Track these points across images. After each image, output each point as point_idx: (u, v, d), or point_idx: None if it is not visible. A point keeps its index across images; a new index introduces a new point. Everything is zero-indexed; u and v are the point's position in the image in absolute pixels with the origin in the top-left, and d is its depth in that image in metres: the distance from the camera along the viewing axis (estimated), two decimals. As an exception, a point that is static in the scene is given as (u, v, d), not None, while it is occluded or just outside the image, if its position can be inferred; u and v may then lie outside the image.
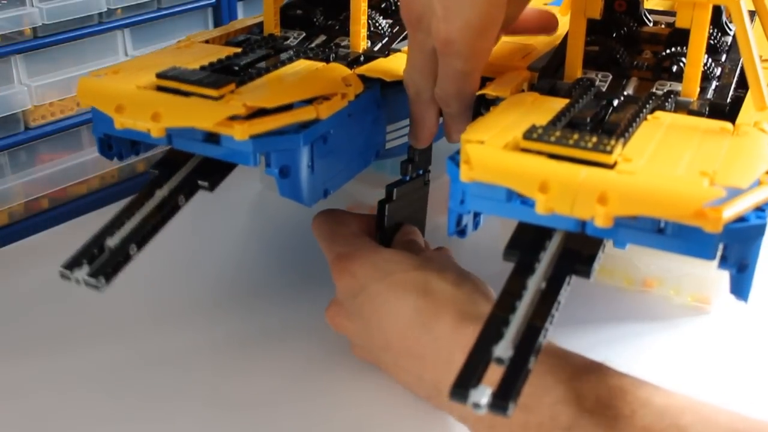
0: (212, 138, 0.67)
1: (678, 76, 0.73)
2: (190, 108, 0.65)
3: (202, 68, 0.72)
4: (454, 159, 0.61)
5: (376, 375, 0.78)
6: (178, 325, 0.86)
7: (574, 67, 0.73)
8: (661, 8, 0.87)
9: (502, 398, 0.51)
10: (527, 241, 0.61)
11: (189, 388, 0.78)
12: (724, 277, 0.58)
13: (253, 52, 0.78)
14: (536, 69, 0.76)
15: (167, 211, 0.71)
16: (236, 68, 0.74)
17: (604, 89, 0.73)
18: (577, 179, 0.54)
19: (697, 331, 0.86)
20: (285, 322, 0.86)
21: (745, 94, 0.70)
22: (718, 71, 0.74)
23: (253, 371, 0.80)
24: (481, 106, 0.73)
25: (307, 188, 0.70)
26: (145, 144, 0.75)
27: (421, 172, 0.86)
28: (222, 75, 0.69)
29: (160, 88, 0.68)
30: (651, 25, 0.81)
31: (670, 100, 0.69)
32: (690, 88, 0.70)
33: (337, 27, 0.87)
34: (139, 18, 1.07)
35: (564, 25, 0.78)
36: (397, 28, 0.86)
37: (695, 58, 0.69)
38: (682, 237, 0.55)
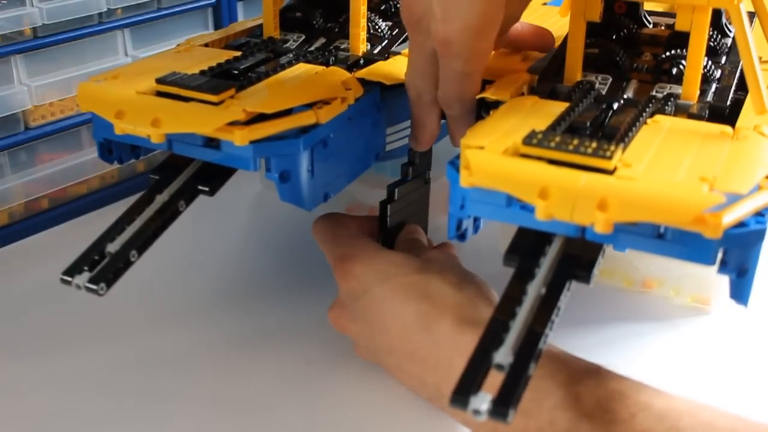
0: (212, 143, 0.67)
1: (678, 79, 0.73)
2: (190, 113, 0.65)
3: (202, 73, 0.72)
4: (454, 164, 0.61)
5: (377, 376, 0.78)
6: (177, 326, 0.86)
7: (574, 70, 0.73)
8: (660, 10, 0.87)
9: (503, 405, 0.51)
10: (527, 246, 0.61)
11: (189, 389, 0.78)
12: (724, 278, 0.58)
13: (252, 56, 0.78)
14: (536, 72, 0.76)
15: (167, 216, 0.71)
16: (236, 72, 0.74)
17: (603, 92, 0.73)
18: (576, 185, 0.54)
19: (697, 331, 0.86)
20: (285, 323, 0.86)
21: (745, 96, 0.70)
22: (717, 74, 0.74)
23: (253, 372, 0.80)
24: (481, 109, 0.73)
25: (307, 193, 0.71)
26: (146, 148, 0.75)
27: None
28: (222, 80, 0.69)
29: (160, 94, 0.68)
30: (651, 27, 0.81)
31: (669, 103, 0.69)
32: (690, 91, 0.70)
33: (336, 29, 0.87)
34: (139, 18, 1.07)
35: (564, 27, 0.78)
36: (397, 30, 0.86)
37: (695, 61, 0.69)
38: (682, 242, 0.55)
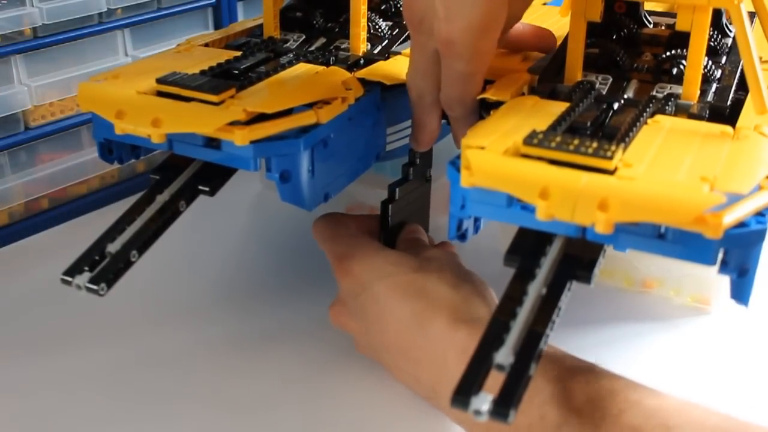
0: (213, 143, 0.67)
1: (678, 79, 0.73)
2: (191, 113, 0.65)
3: (202, 73, 0.72)
4: (455, 164, 0.61)
5: (377, 375, 0.78)
6: (178, 326, 0.86)
7: (574, 70, 0.73)
8: (660, 10, 0.87)
9: (503, 405, 0.51)
10: (528, 246, 0.61)
11: (189, 389, 0.78)
12: (724, 278, 0.58)
13: (252, 56, 0.78)
14: (536, 72, 0.76)
15: (168, 216, 0.71)
16: (236, 72, 0.74)
17: (604, 92, 0.73)
18: (577, 185, 0.54)
19: (697, 331, 0.86)
20: (285, 323, 0.86)
21: (746, 96, 0.70)
22: (718, 73, 0.74)
23: (253, 372, 0.80)
24: (482, 110, 0.73)
25: (307, 193, 0.71)
26: (146, 148, 0.75)
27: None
28: (222, 80, 0.69)
29: (161, 94, 0.68)
30: (651, 27, 0.81)
31: (670, 103, 0.69)
32: (690, 91, 0.70)
33: (336, 29, 0.87)
34: (139, 18, 1.07)
35: (564, 27, 0.78)
36: (397, 30, 0.86)
37: (695, 61, 0.69)
38: (682, 242, 0.55)
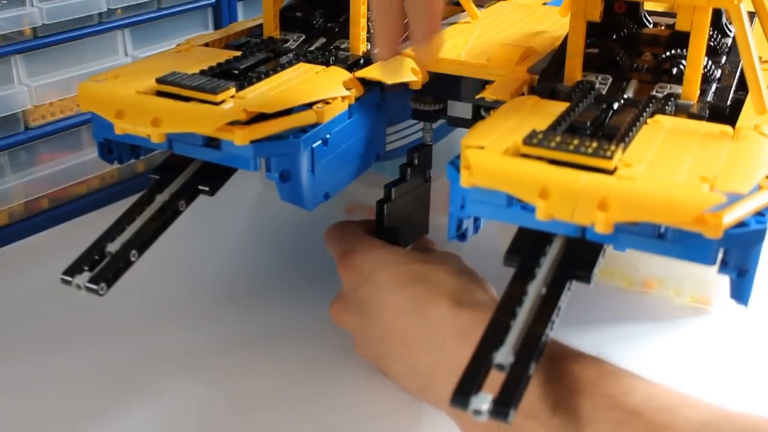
0: (212, 143, 0.67)
1: (678, 79, 0.73)
2: (190, 113, 0.65)
3: (202, 72, 0.72)
4: (455, 164, 0.61)
5: (377, 376, 0.78)
6: (178, 325, 0.86)
7: (574, 70, 0.73)
8: (660, 10, 0.87)
9: (503, 405, 0.51)
10: (527, 246, 0.61)
11: (189, 388, 0.78)
12: (724, 278, 0.58)
13: (252, 56, 0.78)
14: (536, 72, 0.76)
15: (168, 216, 0.71)
16: (236, 72, 0.74)
17: (604, 92, 0.73)
18: (577, 185, 0.54)
19: (697, 331, 0.86)
20: (285, 322, 0.86)
21: (746, 96, 0.70)
22: (718, 73, 0.74)
23: (253, 372, 0.80)
24: (481, 110, 0.73)
25: (307, 192, 0.71)
26: (146, 148, 0.75)
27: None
28: (222, 80, 0.69)
29: (160, 93, 0.68)
30: (651, 27, 0.81)
31: (670, 103, 0.69)
32: (690, 90, 0.70)
33: (336, 29, 0.87)
34: (139, 18, 1.07)
35: (564, 27, 0.78)
36: (397, 30, 0.86)
37: (695, 61, 0.69)
38: (682, 242, 0.56)
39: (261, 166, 0.69)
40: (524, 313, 0.57)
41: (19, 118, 0.99)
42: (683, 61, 0.72)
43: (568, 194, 0.54)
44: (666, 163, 0.57)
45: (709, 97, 0.71)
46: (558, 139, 0.57)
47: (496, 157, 0.58)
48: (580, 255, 0.61)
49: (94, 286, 0.66)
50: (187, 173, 0.74)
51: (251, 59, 0.77)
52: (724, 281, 0.58)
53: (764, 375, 0.80)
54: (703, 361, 0.82)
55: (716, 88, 0.72)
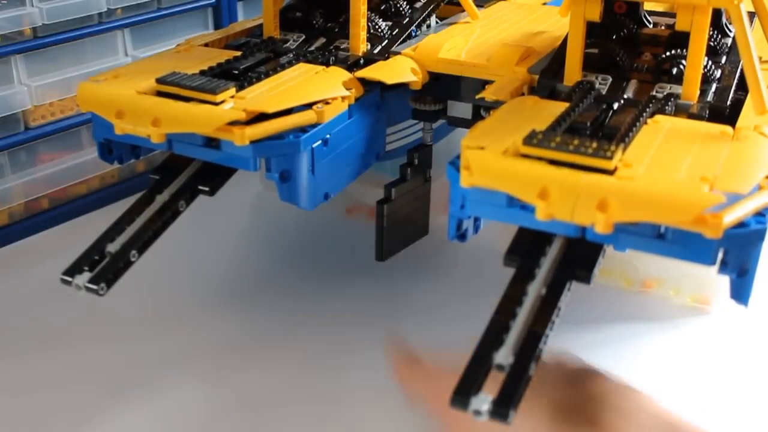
0: (212, 143, 0.67)
1: (678, 79, 0.72)
2: (190, 113, 0.65)
3: (202, 72, 0.72)
4: (455, 164, 0.61)
5: (377, 376, 0.78)
6: (177, 325, 0.86)
7: (574, 70, 0.73)
8: (660, 10, 0.87)
9: (503, 405, 0.51)
10: (527, 246, 0.61)
11: (189, 388, 0.78)
12: (724, 278, 0.58)
13: (252, 56, 0.78)
14: (536, 72, 0.75)
15: (168, 216, 0.71)
16: (236, 72, 0.74)
17: (604, 92, 0.72)
18: (577, 185, 0.54)
19: (697, 331, 0.86)
20: (285, 322, 0.86)
21: (745, 96, 0.70)
22: (717, 74, 0.74)
23: (254, 371, 0.80)
24: (481, 110, 0.73)
25: (307, 193, 0.71)
26: (146, 148, 0.75)
27: None
28: (222, 80, 0.69)
29: (160, 94, 0.68)
30: (651, 27, 0.81)
31: (670, 103, 0.69)
32: (690, 91, 0.70)
33: (336, 29, 0.87)
34: (139, 18, 1.07)
35: (564, 27, 0.78)
36: (397, 30, 0.86)
37: (695, 61, 0.69)
38: (682, 242, 0.56)
39: (261, 167, 0.69)
40: (524, 313, 0.57)
41: (19, 118, 0.99)
42: (683, 61, 0.72)
43: (568, 194, 0.54)
44: (666, 164, 0.57)
45: (709, 97, 0.71)
46: (558, 139, 0.57)
47: (496, 158, 0.58)
48: (580, 255, 0.61)
49: (94, 287, 0.66)
50: (187, 173, 0.74)
51: (251, 59, 0.77)
52: (724, 281, 0.58)
53: (764, 375, 0.80)
54: (702, 361, 0.82)
55: (716, 88, 0.72)
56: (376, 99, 0.77)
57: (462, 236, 0.65)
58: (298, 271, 0.95)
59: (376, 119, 0.78)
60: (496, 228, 0.81)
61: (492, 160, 0.58)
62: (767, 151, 0.61)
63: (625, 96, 0.71)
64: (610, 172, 0.55)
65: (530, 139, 0.57)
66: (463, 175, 0.58)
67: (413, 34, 0.87)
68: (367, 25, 0.84)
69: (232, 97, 0.67)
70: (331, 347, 0.83)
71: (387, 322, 0.86)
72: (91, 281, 0.66)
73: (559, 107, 0.66)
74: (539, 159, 0.57)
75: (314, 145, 0.70)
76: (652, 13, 0.84)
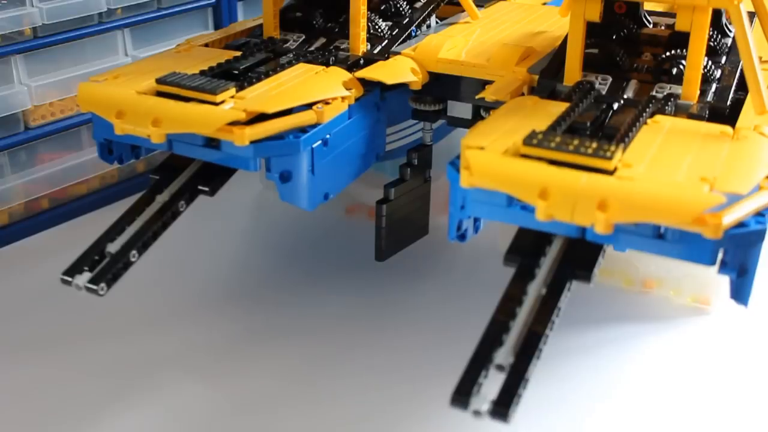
0: (212, 143, 0.67)
1: (678, 79, 0.73)
2: (190, 114, 0.65)
3: (202, 73, 0.72)
4: (454, 164, 0.62)
5: (377, 376, 0.78)
6: (177, 326, 0.86)
7: (574, 70, 0.73)
8: (660, 10, 0.87)
9: (503, 405, 0.51)
10: (527, 246, 0.62)
11: (189, 389, 0.78)
12: (724, 278, 0.58)
13: (252, 56, 0.78)
14: (536, 72, 0.76)
15: (168, 216, 0.71)
16: (236, 72, 0.74)
17: (603, 92, 0.73)
18: (577, 186, 0.54)
19: (697, 331, 0.86)
20: (284, 323, 0.86)
21: (745, 96, 0.70)
22: (717, 73, 0.74)
23: (253, 372, 0.80)
24: (481, 110, 0.73)
25: (307, 193, 0.71)
26: (146, 148, 0.75)
27: None
28: (222, 80, 0.69)
29: (160, 94, 0.68)
30: (651, 27, 0.81)
31: (669, 103, 0.69)
32: (690, 91, 0.70)
33: (336, 29, 0.87)
34: (139, 18, 1.07)
35: (564, 27, 0.78)
36: (397, 30, 0.86)
37: (695, 62, 0.69)
38: (682, 242, 0.56)
39: (261, 167, 0.69)
40: (524, 313, 0.57)
41: (19, 118, 0.99)
42: (683, 62, 0.72)
43: (567, 195, 0.54)
44: (666, 164, 0.57)
45: (709, 98, 0.71)
46: (558, 139, 0.57)
47: (495, 158, 0.58)
48: (580, 255, 0.61)
49: (94, 287, 0.66)
50: (187, 173, 0.74)
51: (251, 59, 0.77)
52: (724, 281, 0.58)
53: (764, 375, 0.80)
54: (702, 361, 0.82)
55: (716, 88, 0.72)
56: (376, 99, 0.77)
57: (462, 236, 0.65)
58: (298, 271, 0.95)
59: (376, 119, 0.78)
60: (496, 228, 0.81)
61: (492, 160, 0.58)
62: (767, 151, 0.61)
63: (625, 96, 0.71)
64: (610, 173, 0.55)
65: (530, 139, 0.57)
66: (463, 176, 0.58)
67: (413, 34, 0.87)
68: (367, 25, 0.84)
69: (232, 97, 0.67)
70: (330, 347, 0.83)
71: (387, 322, 0.86)
72: (91, 281, 0.66)
73: (559, 107, 0.66)
74: (539, 159, 0.57)
75: (314, 146, 0.70)
76: (652, 13, 0.84)
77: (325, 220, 0.88)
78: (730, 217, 0.52)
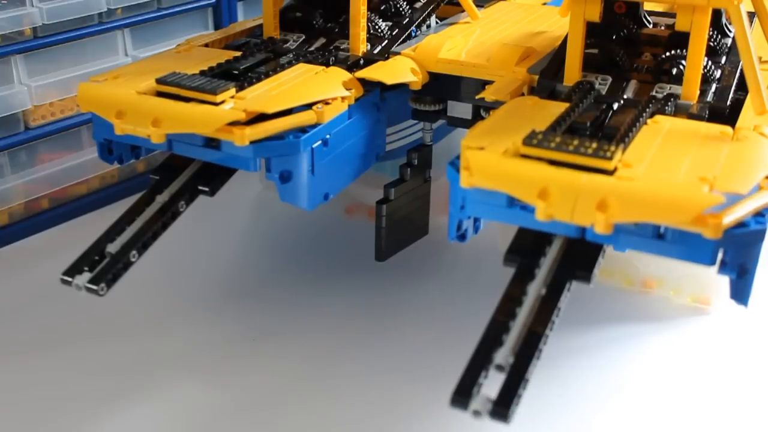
0: (212, 143, 0.67)
1: (678, 79, 0.73)
2: (190, 114, 0.65)
3: (202, 73, 0.72)
4: (454, 164, 0.62)
5: (376, 376, 0.78)
6: (177, 326, 0.86)
7: (574, 70, 0.73)
8: (660, 10, 0.87)
9: (503, 406, 0.51)
10: (527, 246, 0.62)
11: (189, 389, 0.78)
12: (724, 278, 0.58)
13: (252, 56, 0.78)
14: (536, 72, 0.76)
15: (168, 216, 0.71)
16: (236, 72, 0.74)
17: (603, 92, 0.73)
18: (576, 186, 0.54)
19: (697, 331, 0.86)
20: (284, 323, 0.86)
21: (745, 96, 0.70)
22: (717, 74, 0.74)
23: (254, 372, 0.80)
24: (480, 110, 0.73)
25: (307, 193, 0.71)
26: (146, 148, 0.75)
27: None
28: (222, 80, 0.69)
29: (160, 94, 0.68)
30: (651, 27, 0.81)
31: (669, 103, 0.69)
32: (690, 91, 0.70)
33: (336, 29, 0.87)
34: (139, 18, 1.07)
35: (564, 27, 0.78)
36: (397, 30, 0.86)
37: (695, 62, 0.69)
38: (682, 243, 0.56)
39: (261, 167, 0.69)
40: (524, 313, 0.57)
41: (19, 118, 0.99)
42: (683, 62, 0.72)
43: (567, 195, 0.54)
44: (666, 164, 0.57)
45: (709, 98, 0.71)
46: (558, 139, 0.57)
47: (495, 158, 0.58)
48: (580, 255, 0.61)
49: (94, 287, 0.66)
50: (187, 174, 0.74)
51: (251, 59, 0.77)
52: (724, 281, 0.58)
53: (764, 375, 0.80)
54: (702, 361, 0.82)
55: (716, 88, 0.72)
56: (376, 99, 0.77)
57: (462, 236, 0.65)
58: (298, 271, 0.95)
59: (376, 119, 0.78)
60: (496, 228, 0.81)
61: (492, 160, 0.58)
62: (767, 151, 0.61)
63: (625, 96, 0.71)
64: (609, 173, 0.55)
65: (530, 140, 0.57)
66: (463, 176, 0.58)
67: (413, 34, 0.87)
68: (367, 26, 0.84)
69: (232, 97, 0.67)
70: (330, 347, 0.83)
71: (387, 322, 0.86)
72: (91, 281, 0.66)
73: (559, 107, 0.66)
74: (539, 159, 0.57)
75: (314, 146, 0.70)
76: (652, 13, 0.84)
77: (325, 220, 0.88)
78: (730, 217, 0.52)
